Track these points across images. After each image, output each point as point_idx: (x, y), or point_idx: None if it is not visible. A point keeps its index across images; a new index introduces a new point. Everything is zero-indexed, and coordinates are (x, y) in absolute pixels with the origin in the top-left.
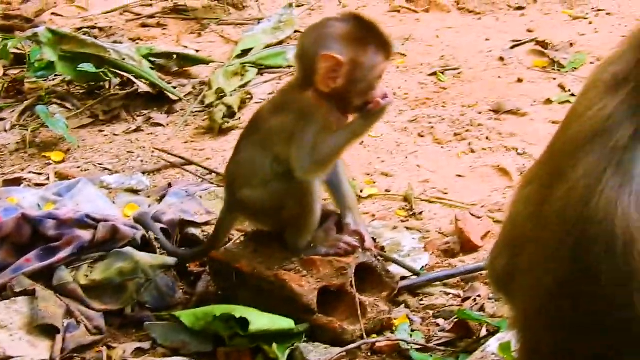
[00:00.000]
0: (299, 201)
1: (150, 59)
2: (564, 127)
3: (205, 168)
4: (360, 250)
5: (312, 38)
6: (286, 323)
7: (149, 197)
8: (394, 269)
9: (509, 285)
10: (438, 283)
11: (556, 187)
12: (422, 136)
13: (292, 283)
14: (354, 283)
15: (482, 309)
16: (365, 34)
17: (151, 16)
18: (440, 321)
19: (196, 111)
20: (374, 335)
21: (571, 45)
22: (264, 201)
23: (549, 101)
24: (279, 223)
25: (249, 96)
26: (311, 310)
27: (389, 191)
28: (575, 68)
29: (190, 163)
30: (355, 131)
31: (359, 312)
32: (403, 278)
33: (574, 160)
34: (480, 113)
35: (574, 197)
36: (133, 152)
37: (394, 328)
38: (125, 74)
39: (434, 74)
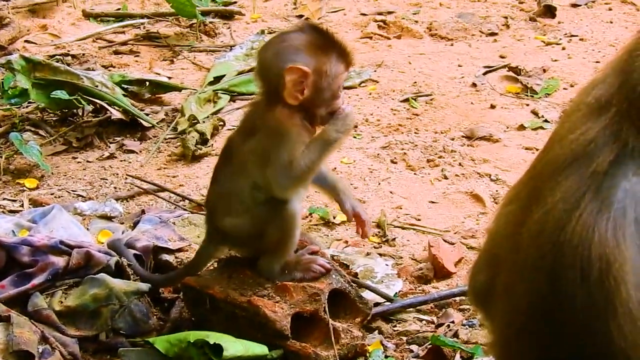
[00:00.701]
0: (280, 227)
1: (123, 86)
2: (546, 149)
3: (178, 194)
4: (333, 271)
5: (273, 53)
6: (260, 349)
7: (122, 223)
8: (367, 295)
9: (487, 303)
10: (412, 309)
11: (534, 209)
12: (395, 162)
13: (266, 309)
14: (327, 309)
15: (456, 335)
16: (325, 42)
17: (124, 43)
18: (414, 347)
19: (169, 138)
20: None
21: (544, 71)
22: (245, 229)
23: (522, 127)
24: (258, 249)
25: (221, 123)
26: (285, 335)
27: None
28: (548, 94)
29: (164, 190)
30: (329, 141)
31: (333, 338)
32: (377, 304)
33: (553, 183)
34: (453, 139)
35: (550, 220)
36: (106, 179)
37: (367, 354)
38: (98, 101)
39: (407, 100)
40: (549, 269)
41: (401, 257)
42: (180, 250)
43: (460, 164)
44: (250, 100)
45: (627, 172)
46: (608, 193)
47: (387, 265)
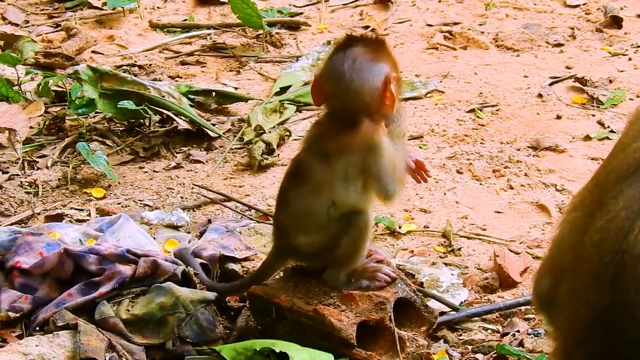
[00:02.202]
0: (354, 238)
1: (190, 96)
2: (610, 157)
3: (245, 204)
4: (398, 280)
5: (354, 72)
6: (326, 357)
7: (189, 232)
8: (433, 304)
9: (551, 309)
10: (477, 318)
11: (597, 217)
12: (461, 173)
13: (332, 317)
14: (392, 318)
15: (521, 344)
16: (381, 47)
17: (190, 54)
18: (479, 356)
19: (235, 148)
20: None
21: (610, 81)
22: (318, 245)
23: (587, 138)
24: (327, 261)
25: (287, 133)
26: (350, 344)
27: (427, 227)
28: (614, 104)
29: (230, 199)
30: (403, 138)
31: (398, 347)
32: (442, 313)
33: (616, 192)
34: (518, 150)
35: (612, 229)
36: (173, 189)
37: None
38: (165, 111)
39: (472, 110)
40: (611, 278)
41: (467, 267)
42: (246, 259)
43: (525, 174)
44: (317, 111)
45: None
46: None
47: (452, 274)
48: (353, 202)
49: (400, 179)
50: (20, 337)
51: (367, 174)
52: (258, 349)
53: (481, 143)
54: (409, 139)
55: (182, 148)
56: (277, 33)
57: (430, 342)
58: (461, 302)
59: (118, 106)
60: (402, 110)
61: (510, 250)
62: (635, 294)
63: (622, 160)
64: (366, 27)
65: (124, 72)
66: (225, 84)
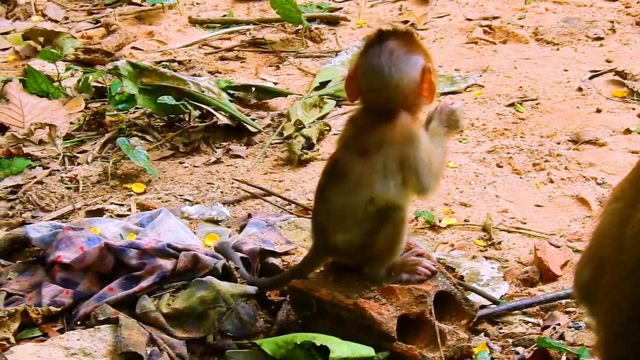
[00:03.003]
0: (391, 234)
1: (229, 91)
2: None
3: (285, 199)
4: (439, 273)
5: (391, 63)
6: (366, 351)
7: (229, 227)
8: (473, 297)
9: (592, 300)
10: (517, 312)
11: (638, 207)
12: (501, 166)
13: (372, 311)
14: (433, 311)
15: (561, 337)
16: (414, 39)
17: (230, 49)
18: (520, 349)
19: (275, 143)
20: None
21: None
22: (357, 242)
23: (628, 131)
24: (366, 258)
25: (327, 128)
26: (391, 337)
27: (467, 221)
28: None
29: (270, 194)
30: (443, 135)
31: (439, 340)
32: (482, 307)
33: None
34: (558, 143)
35: None
36: (213, 184)
37: (473, 356)
38: (204, 106)
39: (512, 104)
40: None
41: (507, 261)
42: (286, 253)
43: (566, 168)
44: (356, 105)
45: None
46: None
47: (492, 268)
48: (392, 197)
49: (437, 173)
50: (61, 331)
51: (405, 167)
52: (298, 343)
53: (521, 137)
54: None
55: (222, 143)
56: (316, 28)
57: (470, 335)
58: (501, 296)
59: (158, 101)
60: (447, 111)
61: (551, 244)
62: None
63: None
64: (405, 22)
65: (164, 67)
66: (264, 79)
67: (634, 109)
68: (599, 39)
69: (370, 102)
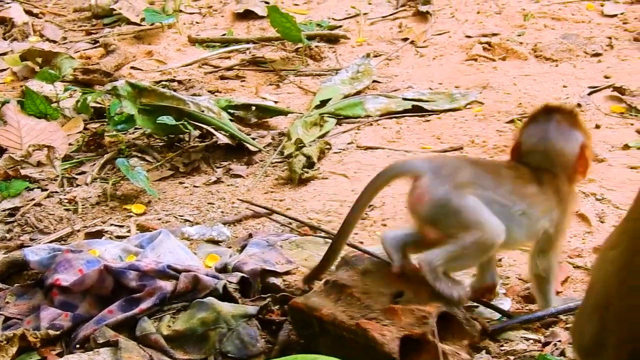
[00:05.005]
0: (472, 245)
1: (229, 110)
2: None
3: (289, 217)
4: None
5: (557, 132)
6: None
7: (230, 247)
8: (482, 310)
9: (597, 356)
10: (519, 328)
11: None
12: None
13: (374, 332)
14: (436, 332)
15: (562, 353)
16: (579, 119)
17: (229, 68)
18: None
19: (275, 162)
20: None
21: None
22: (451, 223)
23: (627, 147)
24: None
25: (327, 146)
26: (393, 358)
27: None
28: None
29: (273, 212)
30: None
31: None
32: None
33: None
34: None
35: None
36: (214, 204)
37: None
38: (204, 126)
39: (512, 121)
40: None
41: (508, 277)
42: (287, 273)
43: None
44: (357, 124)
45: None
46: None
47: None
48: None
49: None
50: (60, 355)
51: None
52: None
53: None
54: (449, 150)
55: (222, 163)
56: (316, 46)
57: (472, 355)
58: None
59: (157, 122)
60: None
61: None
62: None
63: None
64: (405, 39)
65: (163, 87)
66: (264, 98)
67: (632, 124)
68: (597, 55)
69: (531, 162)
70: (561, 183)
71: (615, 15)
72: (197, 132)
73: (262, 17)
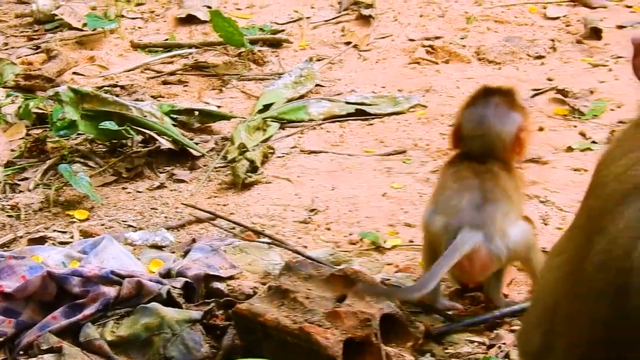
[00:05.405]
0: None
1: (172, 115)
2: (597, 188)
3: (233, 222)
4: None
5: (495, 115)
6: None
7: (173, 252)
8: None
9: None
10: (464, 330)
11: (596, 242)
12: None
13: (318, 335)
14: (379, 334)
15: (507, 356)
16: (518, 99)
17: (172, 73)
18: None
19: (219, 167)
20: None
21: (591, 92)
22: None
23: (570, 149)
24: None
25: (271, 150)
26: None
27: (412, 242)
28: (595, 115)
29: (217, 217)
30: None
31: None
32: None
33: (614, 214)
34: None
35: (615, 249)
36: (157, 209)
37: None
38: (147, 131)
39: None
40: (614, 296)
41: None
42: (231, 277)
43: None
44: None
45: None
46: None
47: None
48: None
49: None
50: None
51: None
52: None
53: None
54: (392, 154)
55: (165, 168)
56: (259, 50)
57: (417, 356)
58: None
59: (100, 127)
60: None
61: None
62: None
63: (615, 188)
64: (348, 43)
65: (106, 92)
66: (207, 103)
67: (575, 126)
68: (540, 57)
69: (471, 149)
70: (510, 169)
71: (557, 18)
72: (140, 138)
73: (204, 22)
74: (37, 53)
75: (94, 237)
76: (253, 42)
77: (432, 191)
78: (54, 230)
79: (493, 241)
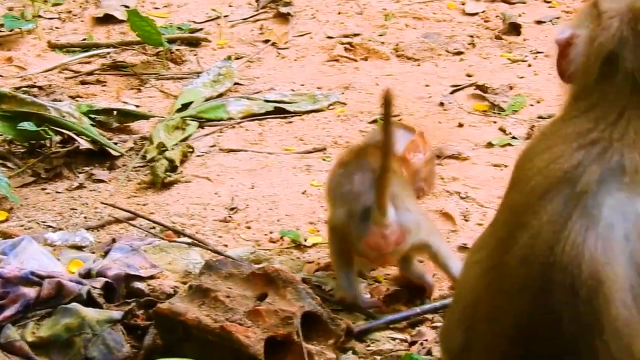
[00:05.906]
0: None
1: (91, 115)
2: (520, 183)
3: (154, 221)
4: (304, 293)
5: None
6: None
7: (93, 252)
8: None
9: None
10: (385, 328)
11: (519, 236)
12: None
13: (239, 334)
14: (300, 332)
15: (429, 352)
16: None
17: (90, 73)
18: None
19: (138, 166)
20: None
21: (510, 88)
22: None
23: (490, 144)
24: None
25: (190, 149)
26: None
27: None
28: (515, 111)
29: (137, 216)
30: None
31: None
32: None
33: (537, 208)
34: None
35: (538, 243)
36: (76, 209)
37: None
38: (65, 131)
39: (375, 121)
40: (537, 290)
41: (373, 277)
42: (152, 277)
43: None
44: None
45: (611, 189)
46: (595, 211)
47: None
48: None
49: None
50: None
51: None
52: None
53: None
54: (312, 152)
55: (84, 168)
56: (177, 50)
57: (338, 354)
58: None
59: (18, 128)
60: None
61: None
62: (563, 303)
63: (539, 181)
64: (266, 41)
65: (24, 93)
66: (126, 102)
67: (495, 122)
68: (459, 53)
69: None
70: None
71: (476, 14)
72: (58, 138)
73: (122, 21)
74: None
75: (13, 238)
76: (171, 41)
77: (325, 196)
78: None
79: (402, 216)
